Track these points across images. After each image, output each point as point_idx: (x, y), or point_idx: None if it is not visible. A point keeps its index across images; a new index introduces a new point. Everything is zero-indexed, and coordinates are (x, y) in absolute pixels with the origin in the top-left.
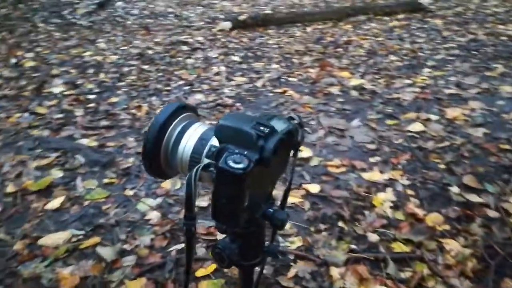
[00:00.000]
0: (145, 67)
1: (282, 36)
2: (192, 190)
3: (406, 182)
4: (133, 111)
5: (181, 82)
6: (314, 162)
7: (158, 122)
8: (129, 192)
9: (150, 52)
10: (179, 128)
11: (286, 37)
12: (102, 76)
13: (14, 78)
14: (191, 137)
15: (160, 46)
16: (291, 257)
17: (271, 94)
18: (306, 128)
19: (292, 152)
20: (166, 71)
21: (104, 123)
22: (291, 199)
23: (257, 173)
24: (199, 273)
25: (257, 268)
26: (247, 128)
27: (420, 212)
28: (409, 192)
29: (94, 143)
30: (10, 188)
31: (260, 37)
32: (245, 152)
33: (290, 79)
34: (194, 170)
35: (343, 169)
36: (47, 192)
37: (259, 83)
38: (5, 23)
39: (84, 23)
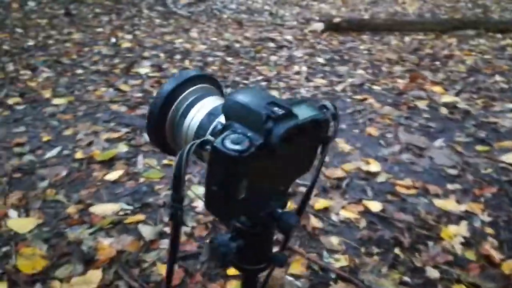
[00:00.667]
0: (229, 59)
1: (376, 43)
2: (182, 168)
3: (487, 219)
4: None
5: (259, 77)
6: (382, 178)
7: (166, 90)
8: None
9: (237, 45)
10: (190, 100)
11: (379, 44)
12: (186, 63)
13: (109, 56)
14: (200, 110)
15: (248, 41)
16: (333, 275)
17: (349, 100)
18: (381, 141)
19: (320, 148)
20: (248, 65)
21: None
22: (346, 213)
23: (261, 162)
24: (230, 271)
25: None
26: (257, 107)
27: (496, 255)
28: (488, 230)
29: None
30: (78, 155)
31: (351, 42)
32: (249, 134)
33: (374, 87)
34: (188, 146)
35: (413, 191)
36: (109, 163)
37: (339, 87)
38: (116, 6)
39: (183, 13)
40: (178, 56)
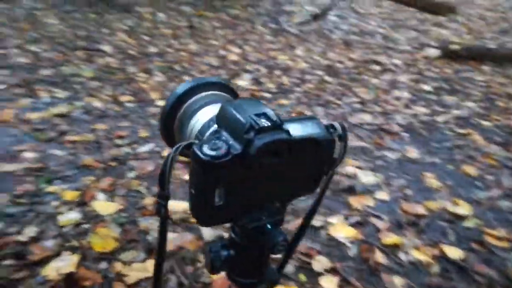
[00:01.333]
0: (328, 78)
1: (496, 75)
2: (167, 166)
3: None
4: (295, 115)
5: (354, 99)
6: (469, 223)
7: (179, 91)
8: None
9: (339, 65)
10: (199, 103)
11: (500, 77)
12: (284, 79)
13: (216, 66)
14: (205, 115)
15: (352, 62)
16: None
17: (450, 133)
18: (478, 183)
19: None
20: (346, 86)
21: None
22: (417, 254)
23: (238, 171)
24: None
25: None
26: (243, 116)
27: None
28: None
29: None
30: (166, 153)
31: (467, 71)
32: (231, 142)
33: (483, 122)
34: (176, 146)
35: (505, 243)
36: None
37: (440, 118)
38: (233, 21)
39: (294, 31)
40: (277, 72)
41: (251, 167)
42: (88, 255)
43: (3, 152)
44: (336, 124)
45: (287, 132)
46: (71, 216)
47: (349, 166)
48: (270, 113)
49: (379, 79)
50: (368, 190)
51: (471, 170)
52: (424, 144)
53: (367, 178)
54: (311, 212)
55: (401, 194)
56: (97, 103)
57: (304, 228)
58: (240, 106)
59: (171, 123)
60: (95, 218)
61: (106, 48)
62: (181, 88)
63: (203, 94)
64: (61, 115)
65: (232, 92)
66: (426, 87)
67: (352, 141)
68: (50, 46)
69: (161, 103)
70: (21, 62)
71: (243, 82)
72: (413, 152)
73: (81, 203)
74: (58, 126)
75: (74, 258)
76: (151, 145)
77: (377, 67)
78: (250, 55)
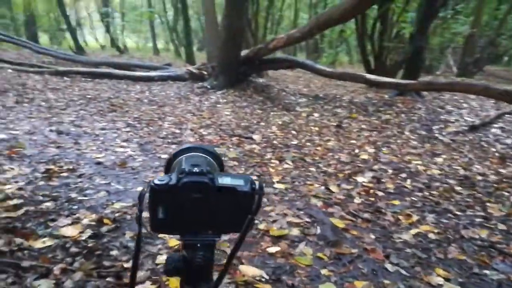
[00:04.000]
0: (458, 188)
1: None
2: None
3: None
4: (402, 219)
5: (478, 213)
6: None
7: (174, 151)
8: None
9: (479, 178)
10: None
11: None
12: (408, 182)
13: (344, 162)
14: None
15: (496, 176)
16: None
17: None
18: None
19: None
20: (476, 199)
21: (365, 215)
22: None
23: (172, 197)
24: None
25: None
26: (185, 164)
27: None
28: None
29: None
30: (262, 226)
31: None
32: (173, 178)
33: None
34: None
35: None
36: (277, 239)
37: None
38: (381, 125)
39: (445, 139)
40: (403, 175)
41: (179, 195)
42: None
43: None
44: (257, 183)
45: (211, 179)
46: (164, 257)
47: (436, 276)
48: (204, 166)
49: None
50: None
51: None
52: None
53: None
54: (235, 249)
55: None
56: None
57: (230, 260)
58: (189, 159)
59: (169, 168)
60: None
61: (256, 137)
62: (176, 149)
63: (187, 154)
64: None
65: (216, 157)
66: None
67: (452, 253)
68: (215, 131)
69: (278, 185)
70: (187, 140)
71: (362, 178)
72: None
73: (177, 250)
74: None
75: (150, 287)
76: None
77: None
78: (383, 157)
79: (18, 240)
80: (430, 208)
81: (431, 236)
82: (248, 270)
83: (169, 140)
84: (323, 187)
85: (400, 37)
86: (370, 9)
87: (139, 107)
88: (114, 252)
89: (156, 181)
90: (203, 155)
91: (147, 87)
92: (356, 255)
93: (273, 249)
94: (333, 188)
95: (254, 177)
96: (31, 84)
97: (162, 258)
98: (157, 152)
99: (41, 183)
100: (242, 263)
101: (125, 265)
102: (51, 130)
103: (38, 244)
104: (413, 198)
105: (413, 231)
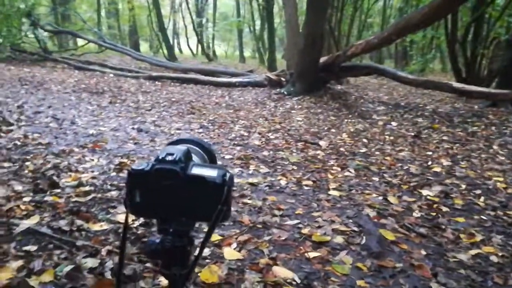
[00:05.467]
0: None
1: None
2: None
3: None
4: (464, 237)
5: None
6: None
7: (169, 143)
8: None
9: None
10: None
11: None
12: (481, 199)
13: (412, 174)
14: None
15: None
16: None
17: None
18: None
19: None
20: None
21: (420, 230)
22: None
23: (146, 182)
24: None
25: None
26: (162, 153)
27: None
28: None
29: None
30: (305, 231)
31: None
32: (149, 164)
33: None
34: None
35: None
36: (318, 245)
37: None
38: (467, 138)
39: None
40: (477, 191)
41: (151, 181)
42: (195, 280)
43: None
44: (228, 174)
45: (182, 167)
46: (204, 250)
47: None
48: (179, 155)
49: None
50: None
51: None
52: None
53: None
54: (205, 238)
55: None
56: (283, 181)
57: (201, 249)
58: (169, 148)
59: None
60: (218, 258)
61: (323, 143)
62: (171, 141)
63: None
64: (251, 184)
65: (205, 150)
66: None
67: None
68: (282, 135)
69: (334, 192)
70: (254, 143)
71: (428, 192)
72: None
73: (217, 245)
74: (243, 190)
75: None
76: (296, 221)
77: None
78: (459, 171)
79: (79, 222)
80: (500, 229)
81: (493, 258)
82: (281, 272)
83: (236, 142)
84: (381, 198)
85: (497, 44)
86: (463, 13)
87: (216, 111)
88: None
89: (134, 167)
90: (195, 147)
91: (228, 92)
92: (399, 270)
93: (311, 254)
94: (392, 199)
95: (309, 182)
96: (126, 87)
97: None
98: (222, 153)
99: (113, 174)
100: (276, 264)
101: None
102: (133, 128)
103: (96, 227)
104: (483, 217)
105: (473, 251)
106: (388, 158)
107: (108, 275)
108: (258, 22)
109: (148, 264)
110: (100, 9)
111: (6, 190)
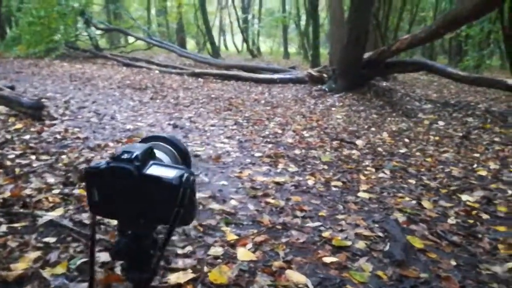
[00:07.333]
0: None
1: None
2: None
3: None
4: (502, 248)
5: None
6: None
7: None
8: None
9: None
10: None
11: None
12: None
13: (454, 177)
14: None
15: None
16: None
17: None
18: None
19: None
20: None
21: (453, 238)
22: None
23: (103, 181)
24: None
25: None
26: (121, 151)
27: None
28: None
29: None
30: (326, 234)
31: None
32: (107, 163)
33: None
34: None
35: None
36: (337, 250)
37: None
38: None
39: None
40: None
41: (106, 179)
42: (203, 280)
43: (218, 194)
44: (186, 175)
45: (137, 166)
46: (217, 250)
47: None
48: (136, 154)
49: None
50: None
51: None
52: None
53: None
54: (164, 243)
55: None
56: (310, 181)
57: (161, 254)
58: (131, 147)
59: None
60: (231, 258)
61: (359, 142)
62: (145, 137)
63: (151, 142)
64: (276, 183)
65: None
66: None
67: None
68: (317, 133)
69: (364, 195)
70: (286, 141)
71: (468, 197)
72: None
73: (232, 245)
74: (267, 190)
75: (190, 276)
76: (318, 224)
77: None
78: (507, 175)
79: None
80: None
81: None
82: (294, 276)
83: (268, 140)
84: (414, 202)
85: None
86: None
87: (253, 107)
88: (174, 238)
89: (92, 164)
90: (166, 145)
91: (268, 89)
92: (422, 281)
93: (329, 259)
94: (427, 204)
95: (338, 183)
96: (169, 84)
97: (214, 250)
98: (252, 150)
99: None
100: (290, 268)
101: (179, 251)
102: (169, 124)
103: (115, 222)
104: None
105: (511, 264)
106: (429, 159)
107: (118, 270)
108: (304, 18)
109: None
110: (150, 7)
111: (39, 182)
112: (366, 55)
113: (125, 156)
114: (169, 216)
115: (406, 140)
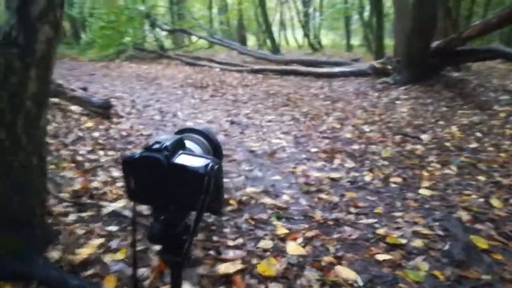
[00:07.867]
0: None
1: None
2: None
3: None
4: None
5: None
6: None
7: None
8: None
9: None
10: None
11: None
12: None
13: None
14: None
15: None
16: None
17: None
18: None
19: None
20: None
21: None
22: None
23: (138, 170)
24: None
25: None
26: (152, 141)
27: None
28: None
29: None
30: (381, 231)
31: None
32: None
33: None
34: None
35: None
36: (391, 247)
37: None
38: None
39: None
40: None
41: (139, 168)
42: (251, 271)
43: (270, 189)
44: (211, 164)
45: (166, 156)
46: (267, 243)
47: None
48: (167, 144)
49: None
50: None
51: None
52: None
53: None
54: (193, 229)
55: None
56: (368, 177)
57: (191, 239)
58: (162, 138)
59: None
60: (280, 252)
61: (424, 137)
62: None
63: (184, 134)
64: (331, 179)
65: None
66: None
67: None
68: (379, 128)
69: (425, 191)
70: (344, 136)
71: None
72: None
73: (281, 239)
74: (321, 185)
75: (239, 266)
76: (373, 220)
77: None
78: None
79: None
80: None
81: None
82: (343, 272)
83: (325, 135)
84: (482, 200)
85: None
86: None
87: (312, 102)
88: (226, 230)
89: (128, 153)
90: (199, 137)
91: (328, 83)
92: (483, 283)
93: (382, 257)
94: (496, 202)
95: (398, 179)
96: (229, 81)
97: (264, 243)
98: (308, 145)
99: None
100: (340, 264)
101: (230, 243)
102: (226, 120)
103: None
104: None
105: None
106: (502, 154)
107: None
108: (367, 8)
109: (211, 252)
110: (212, 7)
111: (105, 175)
112: (434, 44)
113: (156, 146)
114: (195, 203)
115: (478, 134)
